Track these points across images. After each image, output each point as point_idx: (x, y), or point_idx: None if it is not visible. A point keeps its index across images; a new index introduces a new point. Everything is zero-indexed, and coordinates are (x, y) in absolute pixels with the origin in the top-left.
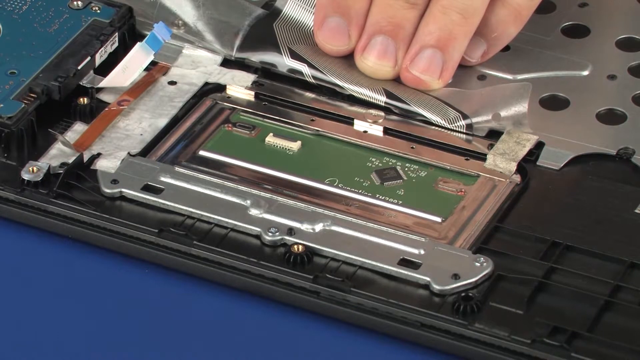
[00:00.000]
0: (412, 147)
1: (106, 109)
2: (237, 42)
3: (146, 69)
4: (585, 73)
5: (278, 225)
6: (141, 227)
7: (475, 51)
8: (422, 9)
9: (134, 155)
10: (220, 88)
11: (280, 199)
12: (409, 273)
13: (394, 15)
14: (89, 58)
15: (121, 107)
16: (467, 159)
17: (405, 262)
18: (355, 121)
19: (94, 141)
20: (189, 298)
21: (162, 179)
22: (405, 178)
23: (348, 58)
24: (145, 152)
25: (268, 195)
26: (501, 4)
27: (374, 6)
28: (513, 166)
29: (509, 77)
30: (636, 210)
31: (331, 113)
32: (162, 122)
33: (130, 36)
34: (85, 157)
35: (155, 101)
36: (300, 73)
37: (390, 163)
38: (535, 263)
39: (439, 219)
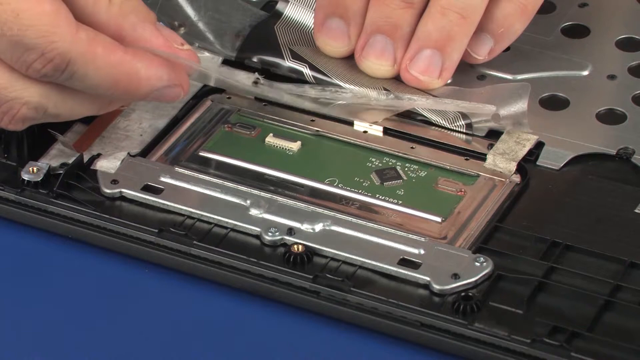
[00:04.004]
0: (412, 147)
1: None
2: (238, 43)
3: None
4: (585, 73)
5: (278, 225)
6: (141, 227)
7: (481, 48)
8: (419, 7)
9: (133, 156)
10: (220, 88)
11: (280, 199)
12: (409, 273)
13: (391, 15)
14: None
15: (121, 108)
16: (467, 159)
17: (405, 262)
18: (355, 121)
19: (94, 141)
20: (189, 298)
21: (162, 179)
22: (405, 178)
23: (348, 58)
24: (145, 152)
25: (268, 195)
26: None
27: (371, 6)
28: (513, 166)
29: (509, 77)
30: (636, 210)
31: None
32: (162, 122)
33: None
34: (85, 158)
35: (156, 102)
36: (301, 73)
37: (390, 163)
38: (535, 263)
39: (439, 219)
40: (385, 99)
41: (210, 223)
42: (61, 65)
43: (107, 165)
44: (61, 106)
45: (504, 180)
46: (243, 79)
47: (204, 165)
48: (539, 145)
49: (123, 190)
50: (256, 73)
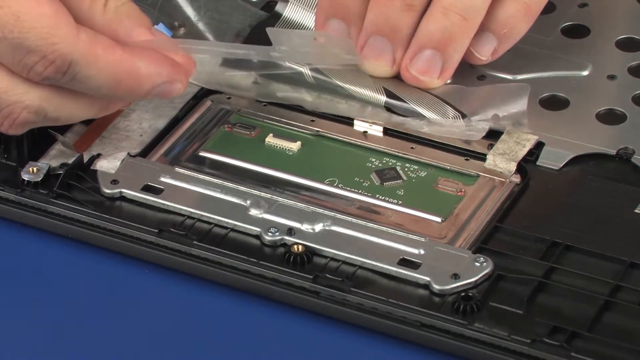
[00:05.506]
0: (412, 147)
1: None
2: (238, 43)
3: None
4: (585, 73)
5: (278, 225)
6: (141, 227)
7: (485, 48)
8: (420, 10)
9: (134, 156)
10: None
11: (280, 199)
12: (409, 273)
13: (390, 18)
14: None
15: (121, 108)
16: (467, 159)
17: (405, 262)
18: (355, 121)
19: (94, 142)
20: (189, 298)
21: (162, 179)
22: (405, 178)
23: None
24: (145, 152)
25: (268, 195)
26: None
27: (371, 7)
28: (513, 166)
29: (509, 77)
30: (636, 210)
31: (331, 113)
32: (162, 122)
33: None
34: (85, 158)
35: (155, 102)
36: (301, 73)
37: (390, 163)
38: (535, 263)
39: (438, 219)
40: (384, 98)
41: (210, 223)
42: (63, 67)
43: (107, 165)
44: (61, 110)
45: (504, 180)
46: (242, 78)
47: (204, 165)
48: (539, 146)
49: (123, 190)
50: (253, 72)
